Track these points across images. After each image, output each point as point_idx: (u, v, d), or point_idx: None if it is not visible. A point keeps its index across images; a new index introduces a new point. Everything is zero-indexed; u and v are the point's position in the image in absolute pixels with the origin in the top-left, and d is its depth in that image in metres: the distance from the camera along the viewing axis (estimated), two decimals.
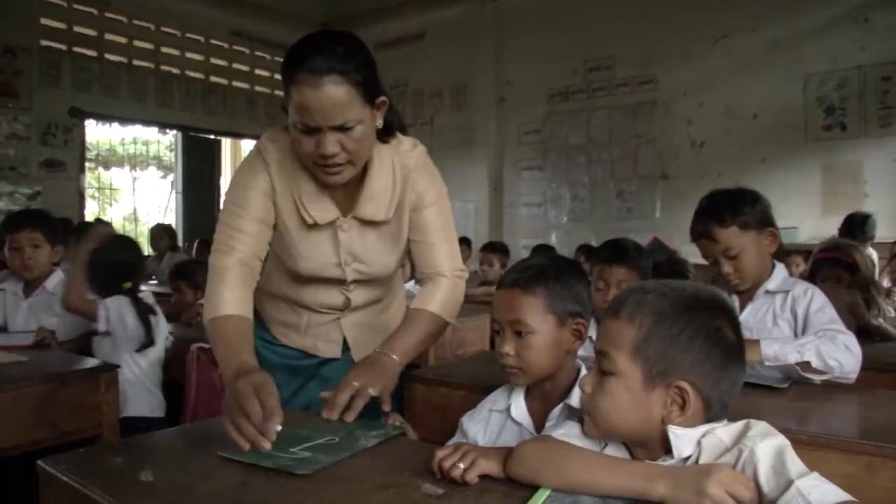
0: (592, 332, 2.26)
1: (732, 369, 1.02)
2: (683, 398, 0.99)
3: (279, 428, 1.22)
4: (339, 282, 1.72)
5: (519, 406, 1.44)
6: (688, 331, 0.99)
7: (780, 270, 1.97)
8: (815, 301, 1.88)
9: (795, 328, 1.89)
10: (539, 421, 1.42)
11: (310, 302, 1.77)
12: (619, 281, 2.22)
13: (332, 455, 1.20)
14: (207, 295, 1.57)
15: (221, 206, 1.70)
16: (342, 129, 1.44)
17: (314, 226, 1.63)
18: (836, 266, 3.20)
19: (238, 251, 1.58)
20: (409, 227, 1.72)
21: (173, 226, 8.51)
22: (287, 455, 1.19)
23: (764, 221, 1.92)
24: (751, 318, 1.95)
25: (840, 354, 1.70)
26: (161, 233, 7.31)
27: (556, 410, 1.39)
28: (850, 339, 1.74)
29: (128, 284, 2.77)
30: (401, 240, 1.73)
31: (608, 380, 1.03)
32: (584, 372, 1.42)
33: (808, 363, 1.70)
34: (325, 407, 1.44)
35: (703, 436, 0.99)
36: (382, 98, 1.53)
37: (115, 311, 2.64)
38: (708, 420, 1.01)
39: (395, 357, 1.56)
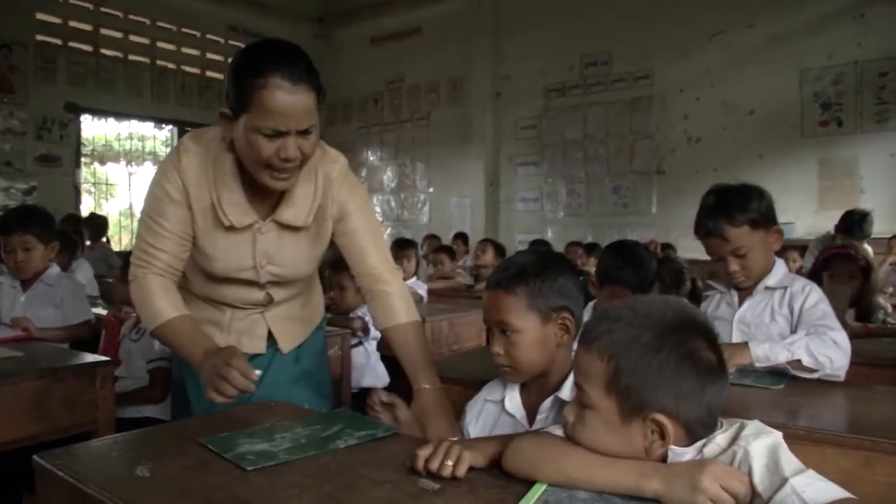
0: None
1: (711, 389, 0.98)
2: (662, 429, 0.97)
3: (259, 372, 1.41)
4: (255, 283, 1.74)
5: (513, 399, 1.45)
6: (656, 361, 0.96)
7: (781, 266, 1.96)
8: (811, 297, 1.87)
9: (792, 324, 1.88)
10: (533, 414, 1.43)
11: (231, 300, 1.78)
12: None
13: (299, 452, 1.21)
14: (140, 307, 1.65)
15: (141, 212, 1.72)
16: (304, 133, 1.50)
17: (231, 228, 1.65)
18: (849, 263, 3.17)
19: (155, 266, 1.63)
20: (338, 235, 1.78)
21: None
22: (257, 444, 1.24)
23: (771, 219, 1.91)
24: (749, 313, 1.94)
25: (829, 350, 1.70)
26: None
27: (547, 403, 1.40)
28: (840, 335, 1.74)
29: None
30: (318, 245, 1.77)
31: (587, 413, 1.02)
32: None
33: (798, 361, 1.70)
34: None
35: (705, 445, 0.98)
36: (321, 105, 1.57)
37: None
38: (693, 441, 0.99)
39: (428, 387, 1.61)
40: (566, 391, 1.37)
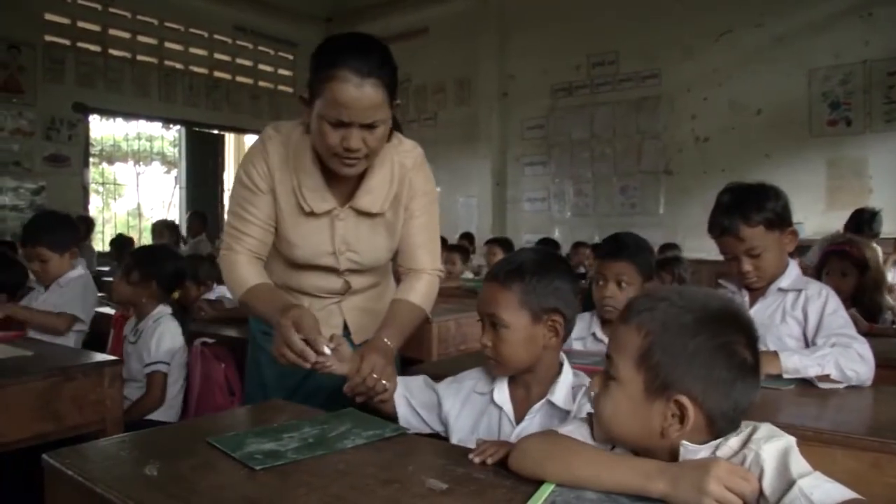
0: (596, 328, 2.26)
1: (741, 387, 0.97)
2: (683, 413, 0.96)
3: (327, 348, 1.46)
4: (334, 270, 1.79)
5: (502, 392, 1.46)
6: (692, 344, 0.96)
7: (794, 268, 1.94)
8: (830, 303, 1.85)
9: (805, 328, 1.86)
10: (519, 408, 1.43)
11: (309, 287, 1.83)
12: (618, 275, 2.19)
13: (307, 452, 1.21)
14: (228, 281, 1.75)
15: (228, 200, 1.81)
16: (370, 126, 1.55)
17: (311, 214, 1.71)
18: (843, 259, 3.15)
19: (243, 250, 1.73)
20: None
21: (177, 221, 8.51)
22: (265, 444, 1.24)
23: (786, 220, 1.88)
24: (760, 314, 1.93)
25: (856, 364, 1.69)
26: (161, 229, 7.33)
27: (538, 406, 1.40)
28: (864, 347, 1.74)
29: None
30: (393, 233, 1.81)
31: (612, 384, 1.02)
32: (566, 367, 1.44)
33: (826, 374, 1.69)
34: (347, 386, 1.52)
35: (717, 448, 0.97)
36: (397, 101, 1.62)
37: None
38: (713, 434, 0.98)
39: (390, 343, 1.64)
40: (558, 395, 1.39)
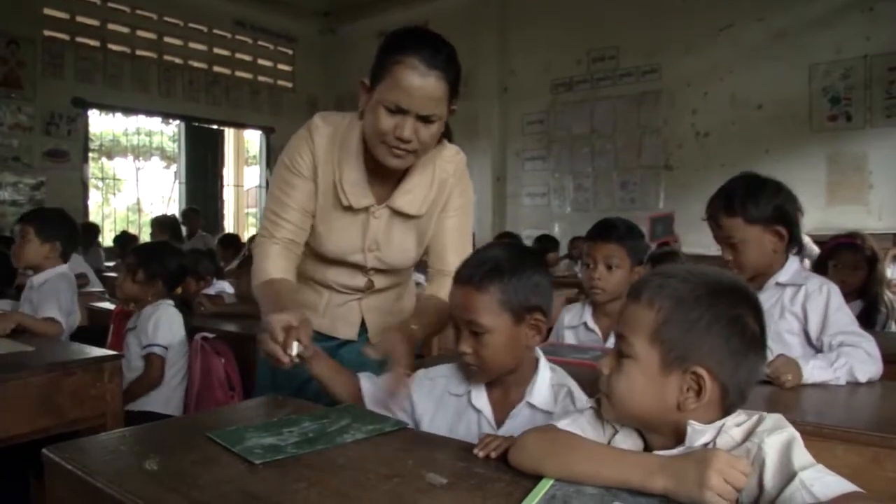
0: (587, 317, 2.25)
1: (752, 358, 0.99)
2: (700, 384, 0.97)
3: (296, 347, 1.38)
4: (360, 267, 1.79)
5: (480, 394, 1.41)
6: (707, 316, 0.97)
7: (793, 263, 1.92)
8: (834, 299, 1.84)
9: (807, 325, 1.85)
10: (498, 410, 1.39)
11: (333, 282, 1.83)
12: (606, 257, 2.16)
13: (307, 446, 1.21)
14: (253, 269, 1.72)
15: (270, 184, 1.82)
16: (426, 119, 1.55)
17: (348, 209, 1.71)
18: (855, 252, 3.16)
19: (280, 239, 1.71)
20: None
21: (176, 215, 8.50)
22: (264, 438, 1.25)
23: (776, 218, 1.85)
24: None
25: (868, 366, 1.70)
26: (162, 227, 7.20)
27: (517, 409, 1.37)
28: (872, 345, 1.74)
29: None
30: (424, 238, 1.81)
31: (626, 362, 1.02)
32: (542, 364, 1.41)
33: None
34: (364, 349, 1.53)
35: (718, 434, 0.97)
36: (454, 106, 1.62)
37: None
38: (725, 408, 0.99)
39: (416, 329, 1.62)
40: (536, 396, 1.36)
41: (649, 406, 1.01)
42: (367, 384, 1.52)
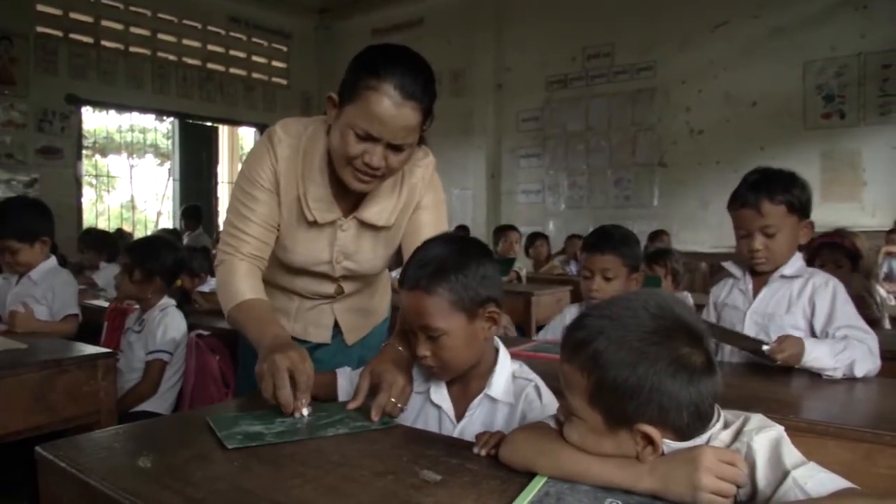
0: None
1: (701, 390, 0.93)
2: (650, 439, 0.94)
3: (306, 409, 1.34)
4: (329, 276, 1.76)
5: (440, 390, 1.40)
6: (636, 376, 0.92)
7: (798, 258, 1.96)
8: (840, 294, 1.86)
9: (813, 319, 1.86)
10: (458, 405, 1.39)
11: (301, 290, 1.80)
12: (603, 269, 2.22)
13: (287, 437, 1.23)
14: (221, 289, 1.63)
15: (230, 196, 1.73)
16: (396, 148, 1.49)
17: (313, 224, 1.66)
18: (836, 250, 3.20)
19: (243, 253, 1.63)
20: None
21: (170, 213, 8.48)
22: (253, 426, 1.27)
23: (807, 211, 1.91)
24: (764, 303, 1.94)
25: (867, 363, 1.72)
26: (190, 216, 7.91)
27: (476, 401, 1.36)
28: (875, 342, 1.76)
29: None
30: (394, 244, 1.77)
31: (574, 419, 1.00)
32: (502, 355, 1.39)
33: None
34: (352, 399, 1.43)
35: (708, 441, 0.95)
36: (426, 126, 1.56)
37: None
38: (689, 437, 0.95)
39: (404, 352, 1.49)
40: (495, 388, 1.34)
41: (610, 453, 0.98)
42: (343, 381, 1.53)
